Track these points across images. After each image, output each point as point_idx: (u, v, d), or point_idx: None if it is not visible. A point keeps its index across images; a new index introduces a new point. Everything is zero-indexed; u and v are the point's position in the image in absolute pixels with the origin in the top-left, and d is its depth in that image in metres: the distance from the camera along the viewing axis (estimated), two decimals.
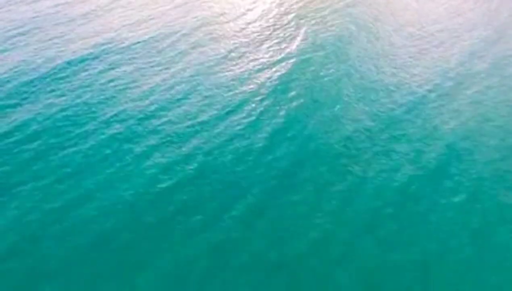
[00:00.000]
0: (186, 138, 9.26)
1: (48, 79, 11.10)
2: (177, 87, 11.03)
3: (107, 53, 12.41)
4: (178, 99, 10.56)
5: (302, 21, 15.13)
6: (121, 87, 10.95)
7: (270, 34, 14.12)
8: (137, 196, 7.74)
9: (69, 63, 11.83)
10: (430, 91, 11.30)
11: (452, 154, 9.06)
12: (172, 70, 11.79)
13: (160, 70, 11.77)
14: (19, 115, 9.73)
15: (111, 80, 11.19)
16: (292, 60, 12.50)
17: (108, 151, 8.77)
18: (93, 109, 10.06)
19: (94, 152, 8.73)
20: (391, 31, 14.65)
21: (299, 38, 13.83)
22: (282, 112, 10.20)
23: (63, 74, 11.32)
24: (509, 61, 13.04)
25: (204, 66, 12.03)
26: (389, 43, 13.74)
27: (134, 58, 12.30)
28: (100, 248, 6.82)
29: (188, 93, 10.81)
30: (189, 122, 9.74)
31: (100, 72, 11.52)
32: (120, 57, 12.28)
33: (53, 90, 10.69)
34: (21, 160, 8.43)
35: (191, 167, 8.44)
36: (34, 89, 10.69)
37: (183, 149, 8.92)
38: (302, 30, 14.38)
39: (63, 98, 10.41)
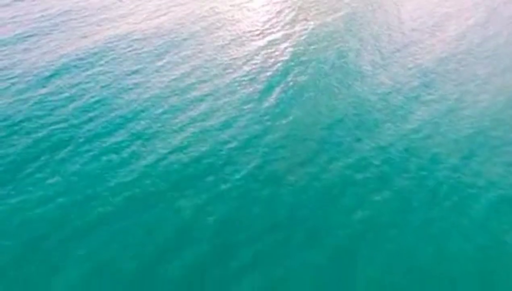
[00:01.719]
0: (203, 105, 10.38)
1: (74, 66, 12.15)
2: (195, 66, 12.11)
3: (127, 39, 13.52)
4: (193, 76, 11.62)
5: (308, 9, 16.06)
6: (142, 69, 12.01)
7: (277, 17, 15.13)
8: (167, 154, 8.87)
9: (91, 51, 12.91)
10: (427, 70, 12.29)
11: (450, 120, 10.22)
12: (187, 52, 12.89)
13: (179, 52, 12.87)
14: (47, 96, 10.79)
15: (136, 60, 12.28)
16: (296, 43, 13.55)
17: (133, 125, 9.86)
18: (117, 87, 11.13)
19: (117, 129, 9.80)
20: (390, 13, 15.57)
21: (301, 25, 14.78)
22: (288, 87, 11.31)
23: (87, 61, 12.41)
24: (500, 43, 13.94)
25: (216, 48, 13.16)
26: (387, 25, 14.67)
27: (153, 43, 13.37)
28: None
29: (206, 71, 11.93)
30: (209, 94, 10.92)
31: (123, 55, 12.62)
32: (139, 43, 13.36)
33: (83, 75, 11.75)
34: (52, 135, 9.45)
35: (212, 128, 9.64)
36: (64, 73, 11.79)
37: (205, 113, 10.12)
38: (306, 16, 15.34)
39: (92, 80, 11.49)
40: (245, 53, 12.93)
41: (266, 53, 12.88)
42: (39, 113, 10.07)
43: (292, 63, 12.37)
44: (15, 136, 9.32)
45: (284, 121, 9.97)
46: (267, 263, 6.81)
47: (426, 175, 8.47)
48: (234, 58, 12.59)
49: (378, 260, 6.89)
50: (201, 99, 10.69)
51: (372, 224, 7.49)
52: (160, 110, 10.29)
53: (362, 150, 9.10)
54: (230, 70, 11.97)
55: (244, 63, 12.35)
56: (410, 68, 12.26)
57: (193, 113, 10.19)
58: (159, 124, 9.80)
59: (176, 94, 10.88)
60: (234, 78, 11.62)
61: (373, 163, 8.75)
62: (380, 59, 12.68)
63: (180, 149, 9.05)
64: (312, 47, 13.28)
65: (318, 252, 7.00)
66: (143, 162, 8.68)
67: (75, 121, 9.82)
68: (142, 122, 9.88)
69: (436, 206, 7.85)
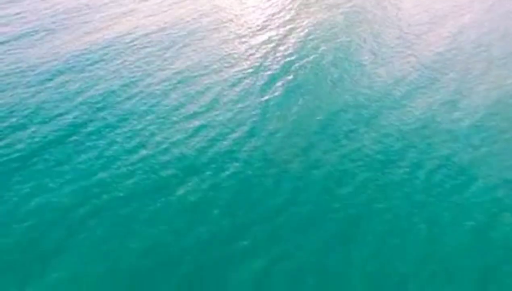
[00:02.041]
0: (205, 97, 10.62)
1: (80, 61, 12.45)
2: (199, 59, 12.41)
3: (131, 35, 13.82)
4: (196, 70, 11.90)
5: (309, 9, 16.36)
6: (146, 64, 12.31)
7: (278, 13, 15.43)
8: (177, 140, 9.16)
9: (95, 46, 13.21)
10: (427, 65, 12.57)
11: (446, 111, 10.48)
12: (190, 48, 13.19)
13: (185, 47, 13.17)
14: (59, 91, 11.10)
15: (140, 55, 12.59)
16: (296, 37, 13.84)
17: (142, 110, 10.17)
18: (122, 81, 11.42)
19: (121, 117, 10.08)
20: (388, 9, 15.85)
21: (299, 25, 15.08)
22: (288, 80, 11.60)
23: (93, 56, 12.70)
24: (496, 38, 14.21)
25: (218, 43, 13.46)
26: (386, 20, 14.95)
27: (156, 39, 13.67)
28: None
29: (208, 65, 12.22)
30: (214, 84, 11.19)
31: (127, 50, 12.93)
32: (142, 39, 13.67)
33: (89, 69, 12.04)
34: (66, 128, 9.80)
35: (214, 119, 9.86)
36: (77, 66, 12.11)
37: (207, 105, 10.33)
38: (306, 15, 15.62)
39: (103, 75, 11.79)
40: (247, 47, 13.21)
41: (266, 48, 13.16)
42: (47, 105, 10.35)
43: (292, 57, 12.65)
44: (25, 127, 9.59)
45: (283, 113, 10.23)
46: (266, 247, 7.07)
47: (421, 163, 8.74)
48: (236, 53, 12.86)
49: (373, 244, 7.14)
50: (203, 92, 10.97)
51: (367, 209, 7.76)
52: (164, 102, 10.56)
53: (359, 139, 9.38)
54: (232, 64, 12.24)
55: (246, 57, 12.63)
56: (407, 62, 12.54)
57: (195, 105, 10.47)
58: (162, 116, 10.07)
59: (180, 87, 11.15)
60: (236, 71, 11.90)
61: (370, 151, 9.02)
62: (378, 53, 12.96)
63: (183, 139, 9.32)
64: (312, 41, 13.56)
65: (315, 236, 7.27)
66: (148, 151, 8.96)
67: (82, 113, 10.09)
68: (146, 113, 10.15)
69: (430, 192, 8.11)
